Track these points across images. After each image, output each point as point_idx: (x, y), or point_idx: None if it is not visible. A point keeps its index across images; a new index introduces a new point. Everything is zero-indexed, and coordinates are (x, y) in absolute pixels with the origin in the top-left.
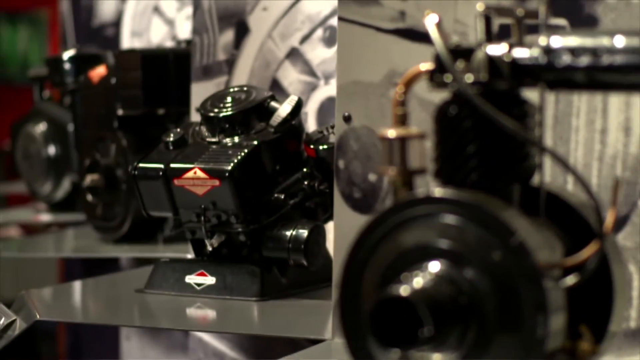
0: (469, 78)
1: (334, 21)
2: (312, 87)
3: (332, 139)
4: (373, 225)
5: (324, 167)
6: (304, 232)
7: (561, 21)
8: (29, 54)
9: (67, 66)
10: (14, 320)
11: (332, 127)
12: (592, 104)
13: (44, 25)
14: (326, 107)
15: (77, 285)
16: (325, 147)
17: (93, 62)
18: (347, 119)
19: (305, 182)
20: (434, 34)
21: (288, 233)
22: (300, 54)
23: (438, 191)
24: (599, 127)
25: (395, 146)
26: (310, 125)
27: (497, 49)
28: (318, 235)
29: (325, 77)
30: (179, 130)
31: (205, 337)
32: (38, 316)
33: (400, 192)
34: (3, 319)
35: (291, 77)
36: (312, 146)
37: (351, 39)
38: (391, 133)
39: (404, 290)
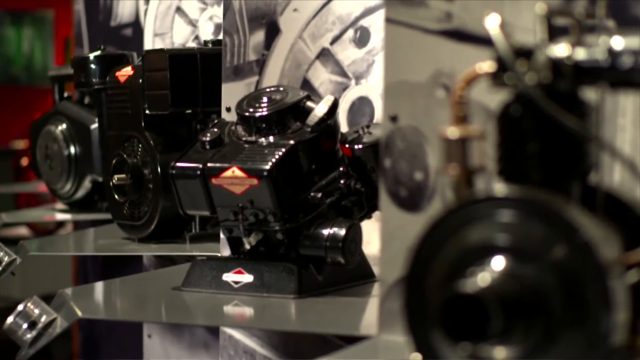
0: (532, 79)
1: (364, 22)
2: (343, 87)
3: (367, 138)
4: (438, 222)
5: (359, 166)
6: (342, 231)
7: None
8: (33, 54)
9: (93, 66)
10: (55, 319)
11: (367, 126)
12: (638, 103)
13: (49, 25)
14: (357, 107)
15: (113, 283)
16: (360, 146)
17: (118, 62)
18: (394, 119)
19: (342, 181)
20: (496, 35)
21: (325, 232)
22: (331, 55)
23: (502, 189)
24: None
25: (456, 146)
26: (341, 125)
27: (560, 50)
28: (355, 233)
29: (356, 77)
30: (215, 129)
31: (236, 334)
32: (80, 314)
33: (461, 191)
34: (45, 317)
35: (322, 77)
36: (347, 145)
37: (398, 39)
38: (452, 133)
39: (473, 287)
